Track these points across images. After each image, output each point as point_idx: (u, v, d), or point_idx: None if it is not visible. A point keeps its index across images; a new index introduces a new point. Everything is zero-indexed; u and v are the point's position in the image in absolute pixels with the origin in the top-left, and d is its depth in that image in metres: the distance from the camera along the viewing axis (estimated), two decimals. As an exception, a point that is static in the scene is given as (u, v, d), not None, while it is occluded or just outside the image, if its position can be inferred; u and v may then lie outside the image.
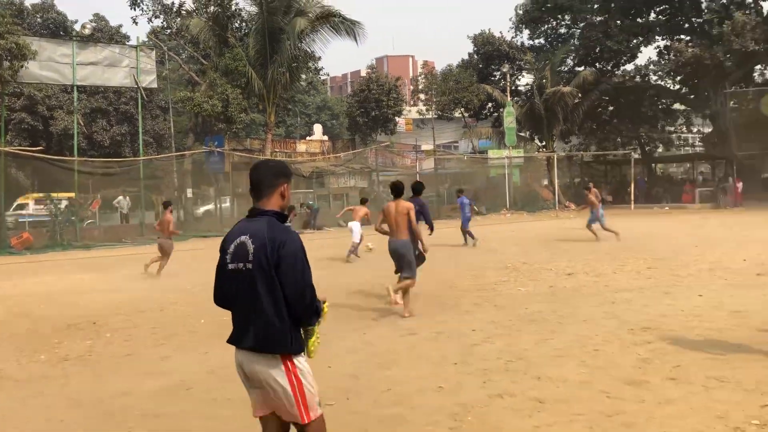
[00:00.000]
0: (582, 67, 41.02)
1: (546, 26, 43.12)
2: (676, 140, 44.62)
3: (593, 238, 18.85)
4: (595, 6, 41.39)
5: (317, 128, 44.67)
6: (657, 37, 41.02)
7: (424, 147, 43.95)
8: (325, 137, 43.91)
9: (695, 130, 45.68)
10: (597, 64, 41.45)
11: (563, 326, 8.20)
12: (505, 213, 35.80)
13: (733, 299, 9.43)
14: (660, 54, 41.23)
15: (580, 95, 38.99)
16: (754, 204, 33.21)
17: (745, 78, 38.55)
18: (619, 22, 40.06)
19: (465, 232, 19.69)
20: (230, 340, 3.42)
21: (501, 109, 40.01)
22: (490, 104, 42.63)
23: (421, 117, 48.91)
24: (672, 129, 43.89)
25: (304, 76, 36.83)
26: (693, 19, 39.84)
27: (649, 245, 17.33)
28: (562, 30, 43.72)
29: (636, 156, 40.95)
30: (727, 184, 34.82)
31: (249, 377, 3.36)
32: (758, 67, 39.35)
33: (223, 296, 3.47)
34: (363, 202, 18.21)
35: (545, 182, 42.24)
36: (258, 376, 3.30)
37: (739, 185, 34.26)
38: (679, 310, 8.84)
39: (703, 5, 38.96)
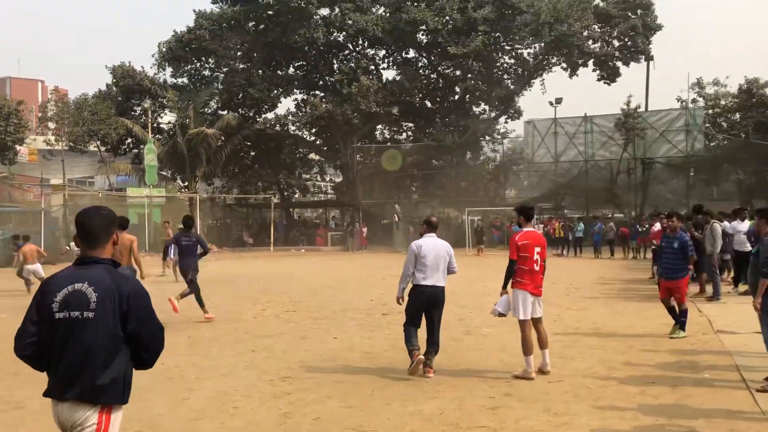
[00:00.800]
0: (226, 111, 41.56)
1: (190, 66, 42.77)
2: (312, 187, 48.01)
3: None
4: (239, 53, 42.54)
5: None
6: (296, 90, 43.79)
7: (53, 181, 39.51)
8: None
9: (328, 178, 49.66)
10: (240, 110, 42.44)
11: (201, 382, 7.65)
12: (143, 255, 33.79)
13: (364, 340, 10.00)
14: (298, 106, 44.09)
15: (223, 138, 39.31)
16: (377, 247, 37.20)
17: (369, 135, 43.32)
18: (261, 71, 41.77)
19: None
20: (49, 393, 3.27)
21: (142, 146, 38.14)
22: (129, 139, 40.36)
23: (49, 148, 43.97)
24: (308, 176, 47.15)
25: None
26: (327, 78, 43.57)
27: (288, 287, 17.83)
28: (206, 72, 43.87)
29: (276, 200, 42.71)
30: (355, 229, 38.34)
31: (64, 428, 3.25)
32: (380, 126, 44.64)
33: (38, 346, 3.27)
34: (26, 239, 17.20)
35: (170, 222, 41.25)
36: (71, 421, 3.20)
37: (365, 230, 38.01)
38: (317, 354, 9.00)
39: (335, 66, 42.96)
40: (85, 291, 3.20)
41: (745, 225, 15.18)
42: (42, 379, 3.32)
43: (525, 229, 7.70)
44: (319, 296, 15.78)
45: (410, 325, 7.77)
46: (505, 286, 7.56)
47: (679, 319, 9.75)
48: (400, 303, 7.94)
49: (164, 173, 41.09)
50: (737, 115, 38.74)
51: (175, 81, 42.91)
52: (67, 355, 3.19)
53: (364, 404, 6.60)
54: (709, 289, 14.05)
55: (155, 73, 41.95)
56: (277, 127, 42.19)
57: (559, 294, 15.06)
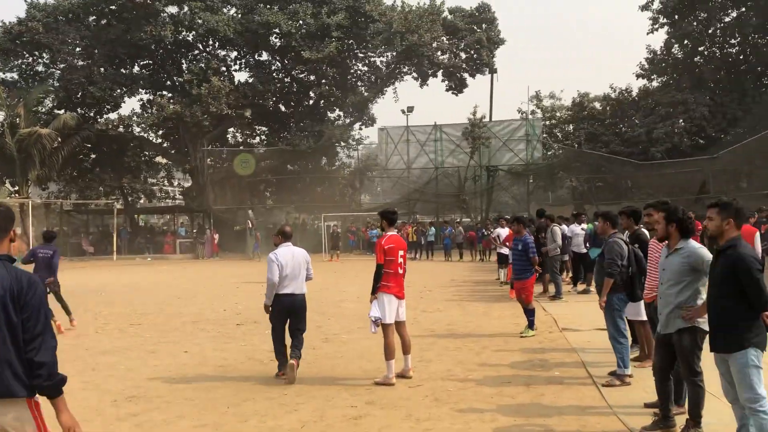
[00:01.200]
0: (63, 111, 38.52)
1: (20, 61, 39.25)
2: (159, 192, 45.52)
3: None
4: (77, 49, 39.64)
5: None
6: (141, 90, 41.48)
7: None
8: None
9: (176, 183, 47.47)
10: (79, 109, 39.50)
11: (33, 408, 6.83)
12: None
13: (217, 353, 9.50)
14: (143, 107, 41.83)
15: (60, 139, 36.40)
16: (229, 254, 36.10)
17: (221, 138, 42.01)
18: (103, 69, 39.18)
19: None
20: None
21: (-39, 147, 34.38)
22: (-53, 139, 36.25)
23: None
24: (154, 181, 44.72)
25: None
26: (175, 78, 41.72)
27: (134, 299, 16.72)
28: (40, 68, 40.45)
29: (119, 206, 40.21)
30: (206, 236, 36.94)
31: None
32: (232, 129, 43.43)
33: None
34: None
35: (18, 231, 37.74)
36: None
37: (216, 237, 36.73)
38: (167, 370, 8.40)
39: (184, 66, 41.25)
40: None
41: (581, 228, 16.29)
42: None
43: (389, 233, 7.65)
44: (168, 308, 14.91)
45: (275, 339, 7.89)
46: (374, 291, 7.43)
47: (528, 318, 10.17)
48: (268, 312, 7.89)
49: (-9, 176, 37.35)
50: (571, 127, 41.82)
51: (3, 76, 39.17)
52: None
53: (219, 422, 6.20)
54: (551, 288, 14.88)
55: (-21, 67, 38.13)
56: (121, 129, 39.74)
57: (414, 297, 15.27)
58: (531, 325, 10.13)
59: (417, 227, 33.82)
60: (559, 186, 45.80)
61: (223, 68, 40.92)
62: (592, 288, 15.38)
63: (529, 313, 10.18)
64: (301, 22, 38.47)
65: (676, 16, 37.49)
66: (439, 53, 39.83)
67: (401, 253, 7.61)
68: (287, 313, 7.78)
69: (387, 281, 7.43)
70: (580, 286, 15.79)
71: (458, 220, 38.41)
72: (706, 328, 4.88)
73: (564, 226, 15.95)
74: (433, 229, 33.44)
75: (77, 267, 30.81)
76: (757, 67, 37.93)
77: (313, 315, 12.53)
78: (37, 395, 3.26)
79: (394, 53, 38.86)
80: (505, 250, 17.33)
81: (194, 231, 40.33)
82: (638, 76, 40.90)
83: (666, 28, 38.44)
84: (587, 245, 15.69)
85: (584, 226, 16.39)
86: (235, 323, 12.29)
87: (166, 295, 17.49)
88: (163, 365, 8.74)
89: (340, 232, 35.74)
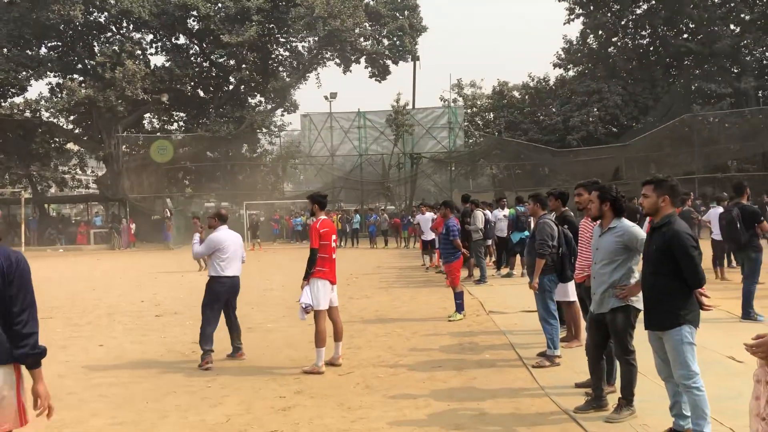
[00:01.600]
0: (-39, 94, 36.02)
1: None
2: (71, 180, 43.19)
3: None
4: (-23, 28, 37.12)
5: None
6: (49, 73, 39.22)
7: None
8: None
9: (90, 171, 45.27)
10: (-20, 93, 37.06)
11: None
12: None
13: (135, 346, 9.02)
14: (52, 90, 39.58)
15: (-42, 124, 34.09)
16: (146, 244, 34.83)
17: (136, 123, 40.31)
18: (5, 50, 36.80)
19: None
20: None
21: None
22: None
23: None
24: (66, 169, 42.36)
25: None
26: (87, 61, 39.71)
27: (44, 292, 15.77)
28: (-66, 47, 37.63)
29: (27, 195, 38.02)
30: (122, 226, 35.49)
31: None
32: (148, 115, 41.78)
33: None
34: None
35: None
36: None
37: (133, 226, 35.33)
38: (79, 365, 7.89)
39: (96, 49, 39.31)
40: None
41: (504, 213, 16.50)
42: None
43: (321, 217, 7.41)
44: (81, 300, 14.15)
45: (209, 325, 7.76)
46: (307, 276, 7.18)
47: (456, 301, 10.16)
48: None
49: None
50: (491, 115, 42.50)
51: None
52: None
53: (137, 419, 5.83)
54: (476, 273, 14.99)
55: None
56: (27, 114, 37.49)
57: (341, 284, 14.88)
58: (459, 308, 10.13)
59: (342, 215, 33.59)
60: (480, 173, 46.55)
61: (139, 51, 39.23)
62: (515, 271, 15.67)
63: (457, 296, 10.17)
64: (220, 4, 37.33)
65: (591, 7, 38.60)
66: (361, 39, 39.50)
67: (333, 237, 7.45)
68: (227, 295, 7.95)
69: (321, 266, 7.22)
70: (503, 270, 16.01)
71: (383, 207, 38.42)
72: (640, 306, 4.91)
73: (487, 212, 16.08)
74: (358, 216, 33.29)
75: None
76: (666, 58, 39.58)
77: (241, 306, 12.19)
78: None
79: (317, 38, 38.25)
80: (431, 236, 17.40)
81: (109, 221, 38.55)
82: (555, 65, 41.90)
83: (581, 18, 39.52)
84: (510, 230, 15.93)
85: (506, 211, 16.61)
86: (153, 314, 11.77)
87: (80, 288, 16.62)
88: (76, 360, 8.22)
89: (262, 221, 35.06)
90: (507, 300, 11.69)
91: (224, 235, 7.97)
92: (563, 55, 41.38)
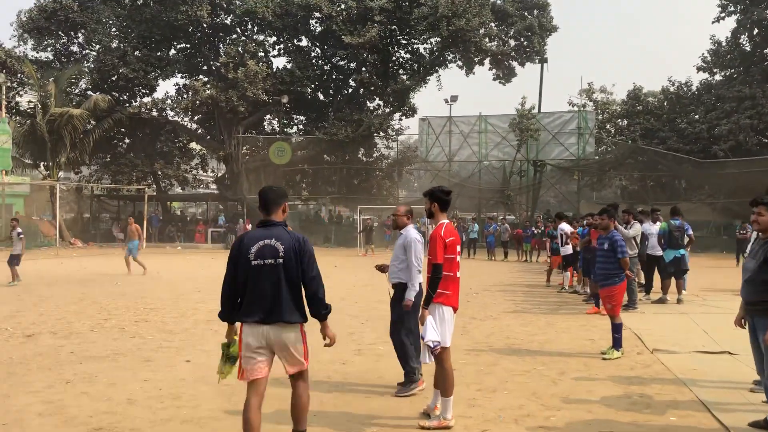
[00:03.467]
0: (97, 93, 37.42)
1: (54, 40, 38.26)
2: (192, 179, 44.07)
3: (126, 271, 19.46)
4: (113, 30, 38.55)
5: None
6: (176, 73, 40.19)
7: None
8: None
9: (210, 170, 46.09)
10: (113, 92, 38.38)
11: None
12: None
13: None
14: (179, 91, 40.51)
15: (92, 121, 35.34)
16: (261, 245, 34.50)
17: (256, 125, 40.49)
18: (137, 51, 37.97)
19: None
20: (251, 319, 4.46)
21: (-7, 127, 33.47)
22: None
23: None
24: (188, 168, 43.23)
25: None
26: (212, 63, 40.34)
27: (148, 291, 15.15)
28: (75, 48, 39.48)
29: (151, 192, 39.00)
30: (238, 226, 35.47)
31: (269, 344, 4.45)
32: (268, 116, 41.89)
33: (236, 284, 4.57)
34: None
35: (48, 215, 37.11)
36: (281, 341, 4.45)
37: (249, 227, 35.20)
38: (155, 389, 6.62)
39: (222, 50, 39.85)
40: (273, 244, 4.49)
41: (656, 227, 14.09)
42: None
43: (444, 221, 5.68)
44: (183, 302, 13.26)
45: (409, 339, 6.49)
46: (428, 303, 5.43)
47: (614, 335, 8.15)
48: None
49: (25, 160, 36.43)
50: (625, 122, 39.23)
51: (36, 55, 38.28)
52: (263, 290, 4.51)
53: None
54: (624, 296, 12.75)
55: (14, 46, 37.27)
56: (154, 113, 38.49)
57: (460, 300, 13.32)
58: (617, 344, 8.10)
59: (458, 223, 31.79)
60: (608, 185, 43.24)
61: (261, 53, 39.39)
62: (669, 296, 13.27)
63: (615, 328, 8.14)
64: (342, 5, 36.70)
65: (747, 2, 34.65)
66: (486, 40, 37.59)
67: (458, 249, 5.66)
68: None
69: (445, 288, 5.49)
70: (654, 295, 13.65)
71: (501, 216, 36.25)
72: None
73: (646, 224, 13.78)
74: (476, 225, 31.35)
75: (106, 253, 29.69)
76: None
77: (345, 318, 10.74)
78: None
79: (439, 39, 36.72)
80: (569, 249, 15.31)
81: (225, 221, 38.73)
82: (699, 69, 38.11)
83: (735, 16, 35.62)
84: (663, 247, 13.57)
85: (659, 225, 14.20)
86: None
87: (186, 288, 15.88)
88: (155, 379, 6.98)
89: (375, 226, 33.87)
90: (670, 334, 9.51)
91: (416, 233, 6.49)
92: (709, 58, 37.53)
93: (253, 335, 4.38)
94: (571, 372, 7.27)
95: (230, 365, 4.67)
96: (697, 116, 36.70)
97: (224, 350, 4.73)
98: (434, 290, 5.41)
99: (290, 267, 4.39)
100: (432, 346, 5.33)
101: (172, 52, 40.62)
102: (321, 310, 4.49)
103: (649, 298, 13.54)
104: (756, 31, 35.40)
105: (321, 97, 42.35)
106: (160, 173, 40.43)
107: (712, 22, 36.98)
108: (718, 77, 37.94)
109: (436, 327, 5.37)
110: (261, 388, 4.46)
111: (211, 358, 7.99)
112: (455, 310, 5.59)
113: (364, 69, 37.97)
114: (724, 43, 36.90)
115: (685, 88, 38.31)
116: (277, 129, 42.37)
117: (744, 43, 36.59)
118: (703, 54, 37.64)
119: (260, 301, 4.39)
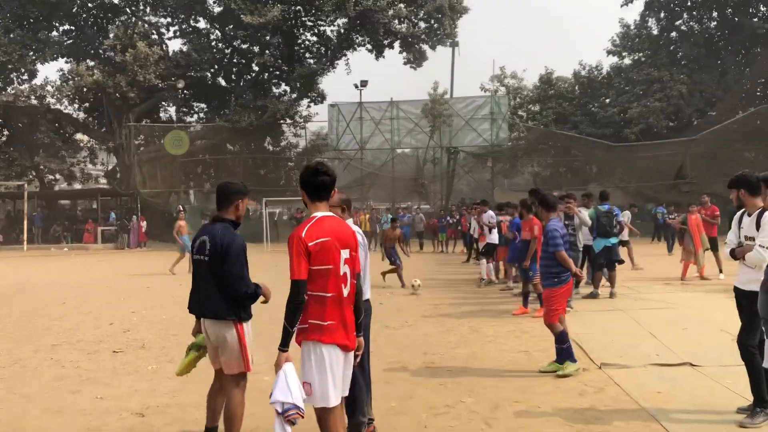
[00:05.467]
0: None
1: None
2: (79, 173, 40.06)
3: None
4: (-20, 6, 34.45)
5: None
6: (59, 57, 36.40)
7: None
8: None
9: (100, 163, 42.10)
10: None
11: None
12: None
13: (45, 416, 5.59)
14: (62, 77, 36.73)
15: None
16: (158, 244, 31.69)
17: (150, 113, 37.31)
18: (12, 34, 33.94)
19: None
20: (193, 311, 4.62)
21: None
22: None
23: None
24: (74, 161, 39.07)
25: None
26: (98, 45, 36.85)
27: (8, 303, 12.65)
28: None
29: (32, 189, 35.20)
30: (131, 223, 32.48)
31: (211, 338, 4.42)
32: (164, 103, 38.80)
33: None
34: None
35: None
36: (216, 336, 4.38)
37: (143, 224, 32.31)
38: None
39: (111, 34, 36.42)
40: (205, 241, 4.44)
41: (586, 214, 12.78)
42: None
43: (317, 215, 3.88)
44: (40, 317, 10.93)
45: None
46: (286, 344, 3.62)
47: (557, 345, 6.58)
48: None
49: None
50: (537, 106, 38.66)
51: None
52: (199, 284, 4.56)
53: None
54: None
55: None
56: (33, 100, 34.68)
57: (372, 302, 11.56)
58: (566, 355, 6.52)
59: (371, 214, 30.13)
60: (520, 171, 42.80)
61: (154, 35, 36.28)
62: (600, 290, 12.02)
63: (560, 338, 6.57)
64: (241, -18, 34.13)
65: (655, -14, 34.68)
66: (396, 21, 35.83)
67: (345, 255, 3.79)
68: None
69: (319, 316, 3.65)
70: (585, 289, 12.37)
71: (417, 206, 34.87)
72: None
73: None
74: (389, 216, 29.77)
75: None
76: (737, 43, 35.41)
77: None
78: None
79: (346, 20, 34.73)
80: (494, 237, 13.91)
81: (116, 218, 35.28)
82: (609, 52, 38.02)
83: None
84: (593, 235, 12.31)
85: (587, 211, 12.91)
86: (112, 348, 8.40)
87: (53, 298, 13.48)
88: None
89: (285, 220, 31.78)
90: (615, 339, 8.09)
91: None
92: (618, 41, 37.46)
93: (203, 327, 4.49)
94: (507, 404, 5.60)
95: (194, 353, 4.68)
96: (608, 100, 36.56)
97: (191, 345, 4.75)
98: (292, 322, 3.58)
99: (214, 264, 4.35)
100: (280, 410, 3.48)
101: (54, 33, 36.81)
102: (241, 312, 4.40)
103: (578, 292, 12.22)
104: (663, 14, 35.49)
105: (222, 82, 39.62)
106: (42, 167, 36.55)
107: (621, 6, 36.79)
108: (627, 60, 37.95)
109: (292, 381, 3.52)
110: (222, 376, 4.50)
111: (28, 406, 5.83)
112: (345, 348, 3.73)
113: (267, 52, 35.49)
114: (632, 27, 36.85)
115: (596, 72, 38.12)
116: (175, 117, 39.29)
117: (652, 26, 36.66)
118: (612, 37, 37.52)
119: (196, 295, 4.56)
